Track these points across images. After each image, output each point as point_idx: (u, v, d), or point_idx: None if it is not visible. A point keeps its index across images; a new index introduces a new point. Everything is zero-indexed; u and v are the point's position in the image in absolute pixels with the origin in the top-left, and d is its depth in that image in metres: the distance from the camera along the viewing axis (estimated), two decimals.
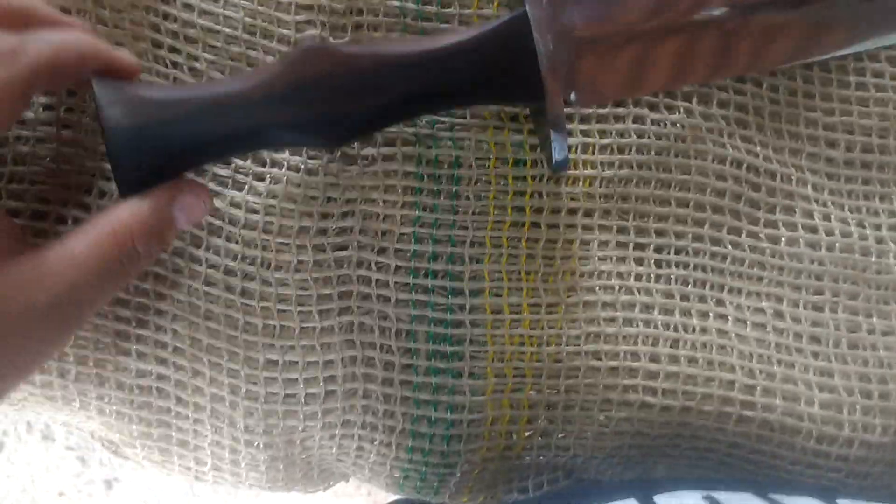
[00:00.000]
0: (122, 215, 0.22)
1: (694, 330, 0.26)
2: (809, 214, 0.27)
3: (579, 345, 0.26)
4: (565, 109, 0.25)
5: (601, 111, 0.27)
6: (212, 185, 0.25)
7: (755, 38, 0.26)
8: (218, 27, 0.26)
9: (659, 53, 0.25)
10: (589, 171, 0.26)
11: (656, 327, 0.26)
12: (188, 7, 0.26)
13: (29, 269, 0.21)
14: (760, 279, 0.26)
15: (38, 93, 0.22)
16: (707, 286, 0.26)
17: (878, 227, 0.27)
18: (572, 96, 0.25)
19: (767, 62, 0.26)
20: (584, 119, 0.27)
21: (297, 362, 0.25)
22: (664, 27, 0.25)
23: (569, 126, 0.26)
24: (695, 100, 0.27)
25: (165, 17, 0.26)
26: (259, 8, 0.26)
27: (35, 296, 0.21)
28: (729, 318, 0.26)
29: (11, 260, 0.21)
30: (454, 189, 0.26)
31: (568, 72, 0.25)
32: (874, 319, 0.26)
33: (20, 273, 0.21)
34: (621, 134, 0.26)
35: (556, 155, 0.24)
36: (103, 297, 0.23)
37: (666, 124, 0.26)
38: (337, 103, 0.23)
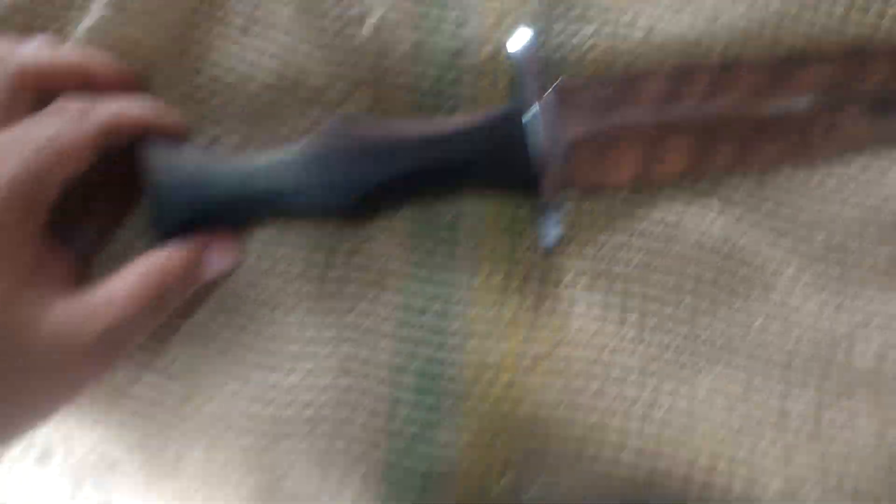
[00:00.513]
0: (159, 261, 0.24)
1: (662, 406, 0.27)
2: (784, 300, 0.28)
3: (552, 410, 0.26)
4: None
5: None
6: None
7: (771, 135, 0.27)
8: (250, 77, 0.28)
9: (659, 151, 0.27)
10: (577, 245, 0.28)
11: (626, 400, 0.27)
12: (227, 56, 0.28)
13: (77, 308, 0.23)
14: (732, 360, 0.27)
15: (102, 151, 0.25)
16: (679, 364, 0.27)
17: (852, 316, 0.28)
18: (568, 184, 0.27)
19: (763, 161, 0.28)
20: (579, 194, 0.28)
21: (296, 385, 0.27)
22: (666, 126, 0.27)
23: (566, 196, 0.28)
24: (683, 184, 0.28)
25: (209, 63, 0.28)
26: (287, 64, 0.28)
27: (82, 334, 0.23)
28: (697, 396, 0.27)
29: (61, 299, 0.23)
30: (451, 243, 0.28)
31: (564, 162, 0.27)
32: (840, 405, 0.27)
33: (69, 311, 0.23)
34: (611, 211, 0.28)
35: (548, 238, 0.26)
36: (140, 335, 0.25)
37: (653, 207, 0.28)
38: (346, 175, 0.26)
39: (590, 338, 0.27)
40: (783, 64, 0.28)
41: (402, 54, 0.28)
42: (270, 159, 0.26)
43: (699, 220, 0.28)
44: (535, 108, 0.26)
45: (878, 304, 0.27)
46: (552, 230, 0.27)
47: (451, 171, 0.27)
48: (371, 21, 0.28)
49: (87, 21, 0.27)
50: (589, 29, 0.28)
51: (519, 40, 0.28)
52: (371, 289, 0.27)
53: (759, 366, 0.27)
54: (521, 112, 0.26)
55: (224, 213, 0.26)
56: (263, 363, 0.27)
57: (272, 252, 0.28)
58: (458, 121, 0.27)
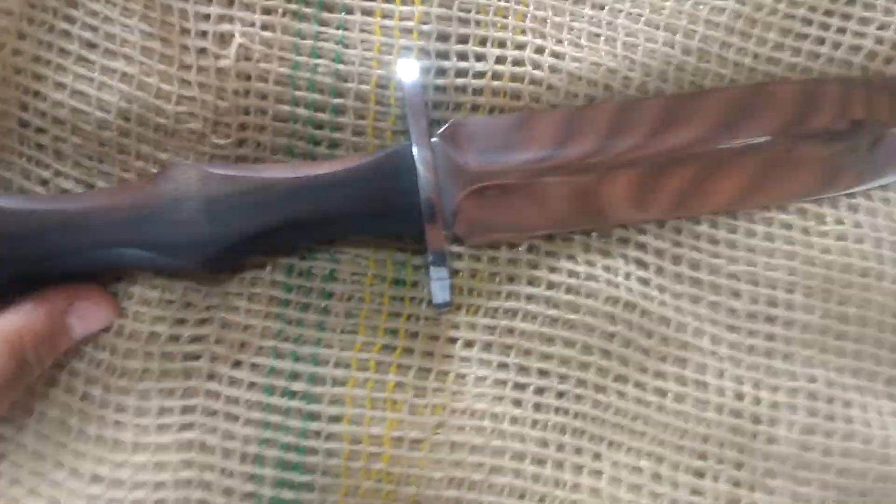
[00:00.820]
0: (14, 324, 0.21)
1: (565, 485, 0.24)
2: (702, 369, 0.25)
3: (440, 489, 0.23)
4: (453, 247, 0.24)
5: None
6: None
7: (670, 186, 0.25)
8: (89, 109, 0.24)
9: (558, 196, 0.24)
10: (474, 299, 0.25)
11: (525, 479, 0.24)
12: (60, 86, 0.24)
13: None
14: (643, 435, 0.24)
15: None
16: (585, 437, 0.24)
17: (775, 390, 0.25)
18: (460, 233, 0.24)
19: (684, 212, 0.25)
20: (473, 245, 0.25)
21: (124, 480, 0.23)
22: (563, 168, 0.24)
23: (458, 249, 0.25)
24: (594, 234, 0.26)
25: (36, 94, 0.24)
26: (137, 93, 0.24)
27: None
28: (604, 475, 0.24)
29: None
30: (324, 304, 0.24)
31: (455, 210, 0.24)
32: (757, 494, 0.24)
33: None
34: (513, 263, 0.25)
35: (436, 297, 0.23)
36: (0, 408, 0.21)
37: (560, 257, 0.25)
38: (207, 226, 0.22)
39: (482, 413, 0.24)
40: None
41: (274, 82, 0.25)
42: (106, 204, 0.22)
43: (611, 276, 0.25)
44: (423, 149, 0.23)
45: (802, 379, 0.24)
46: (439, 291, 0.23)
47: (328, 222, 0.23)
48: (235, 44, 0.24)
49: None
50: (491, 57, 0.25)
51: (405, 71, 0.24)
52: (223, 365, 0.24)
53: (674, 440, 0.24)
54: (407, 154, 0.23)
55: (45, 272, 0.22)
56: (91, 451, 0.23)
57: (114, 324, 0.23)
58: (336, 165, 0.23)
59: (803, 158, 0.26)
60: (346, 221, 0.23)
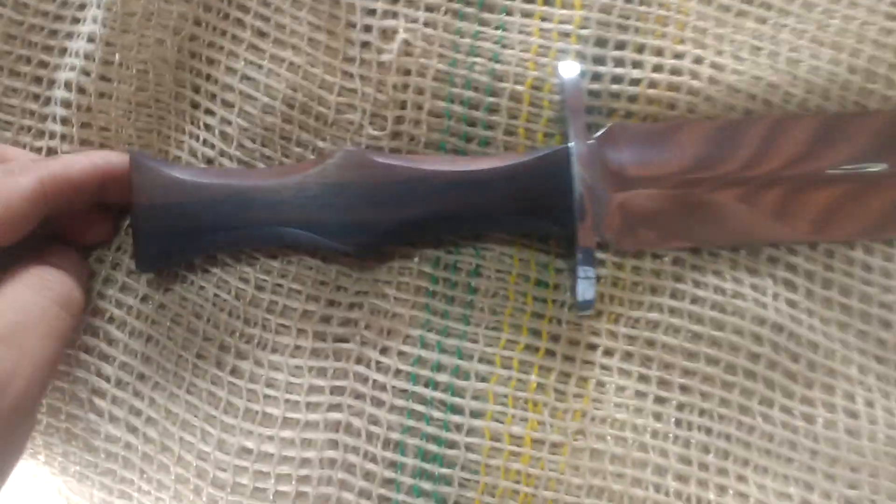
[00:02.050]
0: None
1: (710, 500, 0.23)
2: (851, 397, 0.24)
3: (580, 496, 0.23)
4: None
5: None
6: (226, 258, 0.25)
7: (817, 205, 0.24)
8: (257, 94, 0.25)
9: (709, 207, 0.24)
10: (616, 308, 0.25)
11: (667, 494, 0.23)
12: (231, 71, 0.25)
13: None
14: (790, 461, 0.24)
15: (44, 210, 0.22)
16: (730, 458, 0.24)
17: None
18: (608, 238, 0.24)
19: (829, 233, 0.25)
20: (619, 251, 0.25)
21: (272, 455, 0.23)
22: (716, 180, 0.24)
23: (601, 256, 0.25)
24: (742, 251, 0.25)
25: (208, 77, 0.26)
26: (302, 82, 0.25)
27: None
28: (751, 499, 0.23)
29: None
30: (469, 298, 0.25)
31: (606, 212, 0.24)
32: None
33: None
34: (657, 274, 0.25)
35: (581, 295, 0.23)
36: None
37: (707, 272, 0.25)
38: (367, 211, 0.23)
39: (623, 423, 0.24)
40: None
41: (433, 77, 0.25)
42: (273, 184, 0.23)
43: (759, 295, 0.25)
44: (581, 148, 0.23)
45: None
46: (586, 289, 0.23)
47: (480, 217, 0.24)
48: (399, 39, 0.25)
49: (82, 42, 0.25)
50: (648, 64, 0.25)
51: (567, 73, 0.24)
52: (372, 350, 0.24)
53: (824, 467, 0.24)
54: (565, 153, 0.23)
55: (211, 241, 0.23)
56: (239, 424, 0.24)
57: (269, 285, 0.24)
58: (493, 162, 0.24)
59: None
60: (498, 218, 0.24)
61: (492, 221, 0.24)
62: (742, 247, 0.25)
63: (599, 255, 0.25)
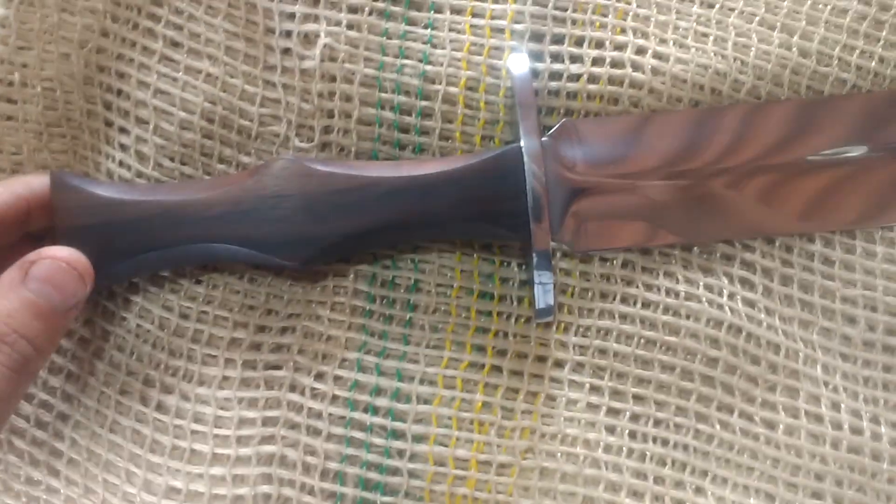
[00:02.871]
0: None
1: None
2: (815, 400, 0.23)
3: None
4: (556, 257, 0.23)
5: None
6: (148, 286, 0.23)
7: (805, 193, 0.23)
8: (172, 110, 0.24)
9: (666, 206, 0.23)
10: (565, 316, 0.23)
11: None
12: (144, 85, 0.24)
13: None
14: (751, 470, 0.22)
15: None
16: (687, 470, 0.22)
17: (895, 426, 0.23)
18: (565, 240, 0.23)
19: (823, 222, 0.23)
20: (566, 255, 0.24)
21: (202, 493, 0.22)
22: (674, 177, 0.23)
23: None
24: (695, 250, 0.24)
25: (119, 93, 0.24)
26: (221, 94, 0.24)
27: None
28: None
29: None
30: (409, 316, 0.23)
31: (562, 213, 0.23)
32: None
33: None
34: (606, 278, 0.24)
35: (540, 302, 0.22)
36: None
37: (658, 274, 0.23)
38: (309, 224, 0.21)
39: (574, 438, 0.22)
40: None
41: (360, 83, 0.24)
42: (206, 198, 0.22)
43: (714, 296, 0.23)
44: (533, 145, 0.21)
45: None
46: (543, 295, 0.22)
47: (430, 223, 0.22)
48: (321, 44, 0.23)
49: None
50: (587, 58, 0.23)
51: (515, 67, 0.23)
52: (306, 376, 0.23)
53: (786, 476, 0.22)
54: (518, 152, 0.22)
55: (150, 260, 0.22)
56: (166, 462, 0.22)
57: (194, 312, 0.23)
58: (441, 165, 0.22)
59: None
60: (448, 223, 0.22)
61: (441, 228, 0.23)
62: (714, 241, 0.23)
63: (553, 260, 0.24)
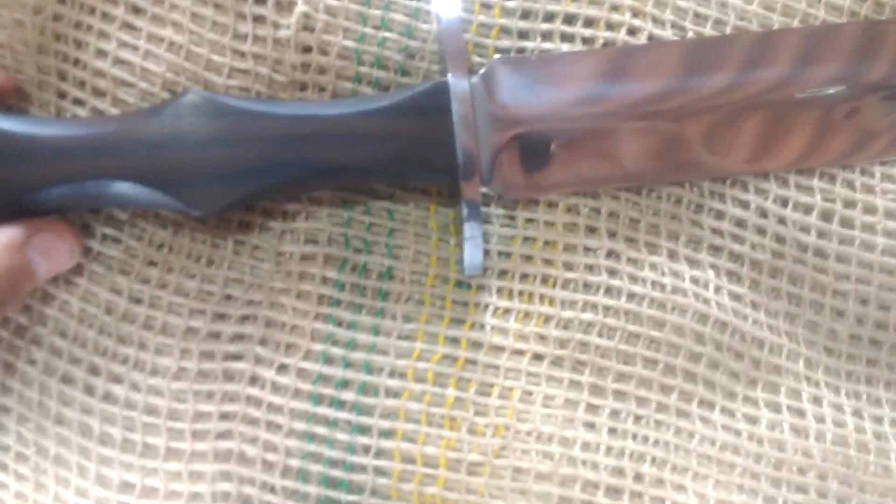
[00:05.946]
0: None
1: None
2: (797, 395, 0.22)
3: None
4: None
5: (569, 240, 0.23)
6: (94, 266, 0.22)
7: (723, 134, 0.22)
8: (133, 80, 0.22)
9: (604, 144, 0.21)
10: (545, 308, 0.22)
11: None
12: (102, 54, 0.22)
13: None
14: (733, 467, 0.22)
15: None
16: (667, 468, 0.22)
17: (878, 420, 0.22)
18: (497, 188, 0.21)
19: (725, 168, 0.22)
20: (548, 243, 0.23)
21: (158, 489, 0.21)
22: (613, 114, 0.21)
23: (530, 252, 0.22)
24: (681, 240, 0.23)
25: (76, 62, 0.22)
26: (185, 64, 0.22)
27: None
28: None
29: None
30: (380, 305, 0.22)
31: (492, 161, 0.21)
32: None
33: None
34: (590, 269, 0.23)
35: (468, 257, 0.20)
36: None
37: (644, 265, 0.23)
38: (218, 165, 0.20)
39: (550, 436, 0.21)
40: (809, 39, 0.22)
41: (337, 55, 0.22)
42: (109, 130, 0.20)
43: (700, 289, 0.22)
44: (461, 84, 0.20)
45: None
46: (471, 252, 0.20)
47: (348, 167, 0.20)
48: (297, 12, 0.22)
49: None
50: (578, 38, 0.22)
51: (444, 10, 0.21)
52: (268, 369, 0.21)
53: (769, 471, 0.22)
54: (442, 91, 0.20)
55: (53, 199, 0.20)
56: (118, 456, 0.21)
57: (146, 296, 0.21)
58: (363, 105, 0.20)
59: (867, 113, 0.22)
60: (369, 167, 0.20)
61: (364, 172, 0.21)
62: (656, 182, 0.22)
63: (524, 250, 0.22)
